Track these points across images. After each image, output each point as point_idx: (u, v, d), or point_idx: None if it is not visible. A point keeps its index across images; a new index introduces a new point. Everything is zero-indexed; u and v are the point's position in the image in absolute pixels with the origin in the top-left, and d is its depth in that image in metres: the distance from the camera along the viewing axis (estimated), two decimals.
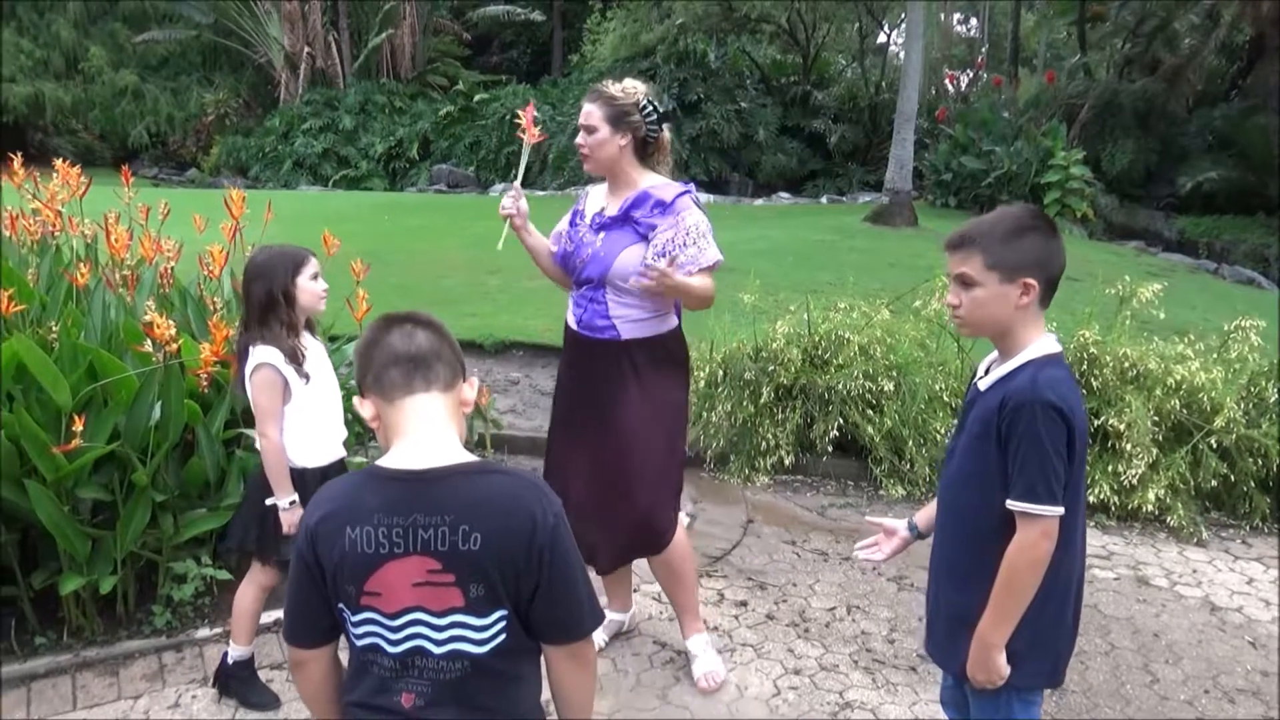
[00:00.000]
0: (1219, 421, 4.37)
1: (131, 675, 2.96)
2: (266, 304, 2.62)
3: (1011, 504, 1.78)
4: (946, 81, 19.09)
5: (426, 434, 1.43)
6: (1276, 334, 5.20)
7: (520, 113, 3.12)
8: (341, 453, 2.80)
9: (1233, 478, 4.42)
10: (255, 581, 2.80)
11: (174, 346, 2.97)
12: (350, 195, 17.04)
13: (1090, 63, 17.30)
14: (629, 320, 2.83)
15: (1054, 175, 13.32)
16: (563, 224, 3.08)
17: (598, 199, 2.99)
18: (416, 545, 1.37)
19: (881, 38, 20.54)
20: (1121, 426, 4.41)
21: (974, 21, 25.72)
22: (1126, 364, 4.58)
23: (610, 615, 3.27)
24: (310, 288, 2.68)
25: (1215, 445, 4.43)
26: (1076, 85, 16.02)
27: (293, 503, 2.64)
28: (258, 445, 2.68)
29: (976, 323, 1.89)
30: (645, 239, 2.78)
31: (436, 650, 1.40)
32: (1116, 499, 4.36)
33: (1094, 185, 13.55)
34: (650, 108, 2.84)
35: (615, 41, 17.87)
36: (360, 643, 1.43)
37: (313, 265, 2.69)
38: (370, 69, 24.01)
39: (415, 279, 8.20)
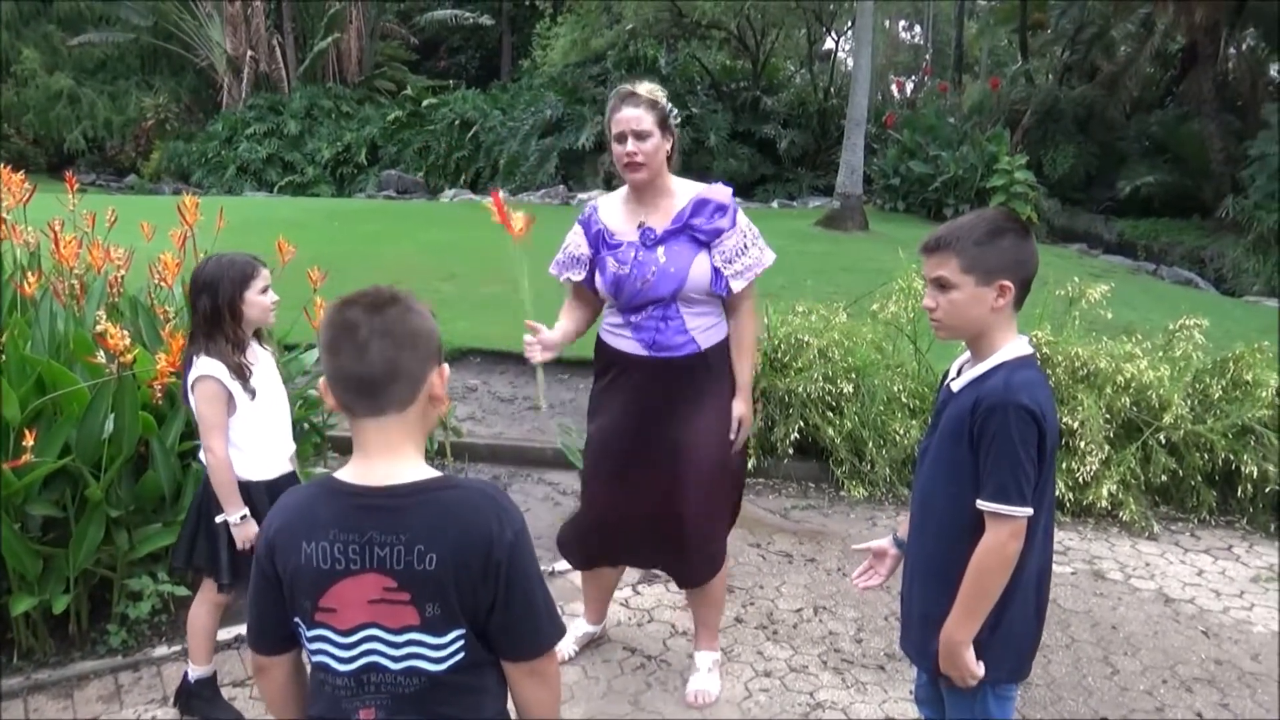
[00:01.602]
0: (1167, 418, 4.49)
1: (87, 697, 2.87)
2: (212, 317, 2.54)
3: (982, 504, 1.81)
4: (894, 87, 19.39)
5: (384, 454, 1.38)
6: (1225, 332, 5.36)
7: (489, 206, 2.96)
8: (289, 466, 2.72)
9: (1180, 472, 4.54)
10: (208, 599, 2.72)
11: (128, 357, 2.89)
12: (298, 201, 16.75)
13: (1031, 69, 17.70)
14: (703, 329, 2.77)
15: (999, 180, 13.58)
16: (576, 248, 2.90)
17: (616, 214, 2.85)
18: (372, 562, 1.34)
19: (829, 44, 20.80)
20: (1075, 425, 4.51)
21: (918, 29, 26.20)
22: (1078, 363, 4.68)
23: (585, 628, 3.24)
24: (258, 301, 2.59)
25: (1164, 441, 4.55)
26: (1019, 91, 16.38)
27: (244, 517, 2.55)
28: (205, 459, 2.60)
29: (953, 325, 1.91)
30: (705, 246, 2.71)
31: (393, 666, 1.38)
32: (1071, 495, 4.45)
33: (1037, 189, 13.85)
34: (675, 111, 2.78)
35: (566, 46, 17.86)
36: (314, 659, 1.41)
37: (262, 278, 2.61)
38: (316, 73, 23.67)
39: (369, 285, 8.08)
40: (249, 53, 23.04)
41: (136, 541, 3.11)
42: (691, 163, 17.77)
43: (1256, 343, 4.87)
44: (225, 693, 2.85)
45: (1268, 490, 4.44)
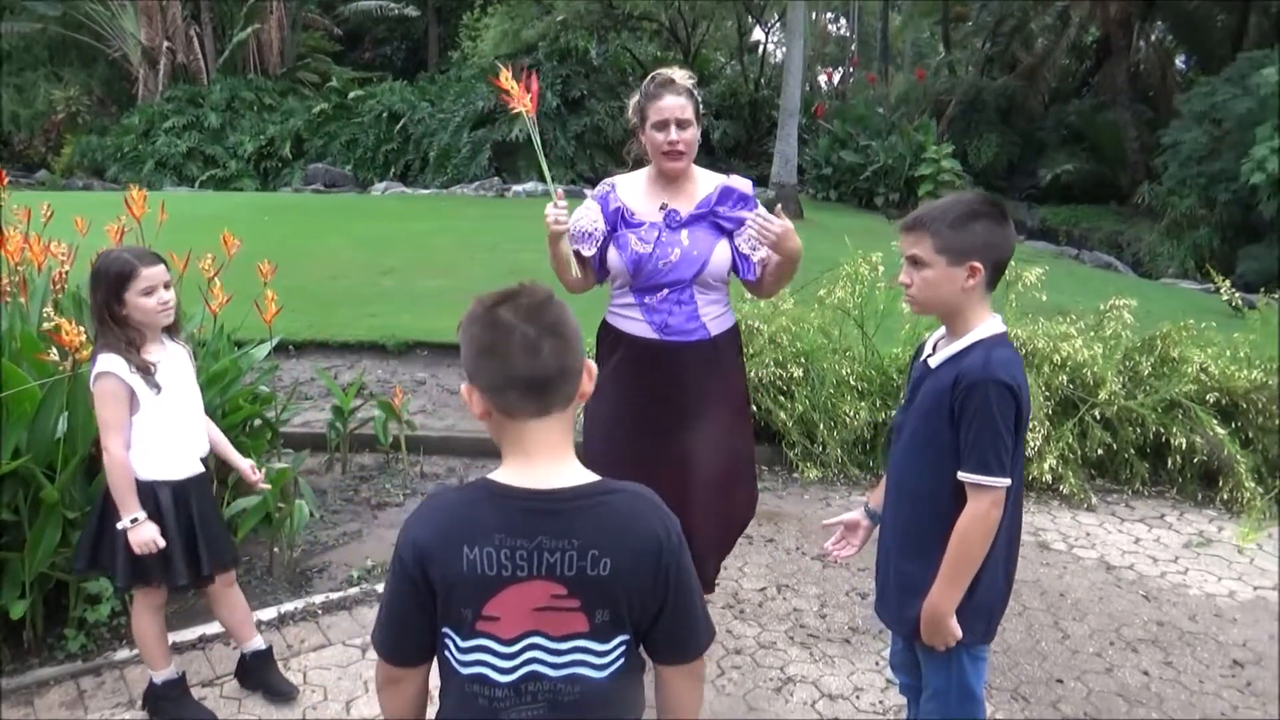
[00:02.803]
0: (1102, 395, 4.68)
1: (48, 704, 2.79)
2: (99, 315, 2.46)
3: (964, 476, 1.89)
4: (823, 78, 19.68)
5: (548, 455, 1.35)
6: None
7: (498, 81, 2.68)
8: (200, 468, 2.63)
9: (1115, 446, 4.75)
10: (145, 606, 2.63)
11: (84, 354, 2.81)
12: (223, 196, 16.32)
13: (954, 61, 18.16)
14: (714, 316, 2.80)
15: (927, 168, 13.95)
16: (590, 223, 2.85)
17: (638, 194, 2.84)
18: (541, 569, 1.30)
19: (758, 35, 21.00)
20: None
21: (844, 21, 26.60)
22: (1017, 344, 4.85)
23: None
24: (141, 304, 2.44)
25: (1099, 417, 4.75)
26: (943, 82, 16.81)
27: (135, 520, 2.44)
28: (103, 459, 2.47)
29: (925, 301, 1.99)
30: (727, 234, 2.75)
31: (553, 674, 1.34)
32: None
33: (964, 178, 14.25)
34: (701, 97, 2.79)
35: (496, 37, 17.69)
36: (465, 670, 1.34)
37: (144, 279, 2.43)
38: (236, 65, 23.01)
39: (308, 280, 7.94)
40: (165, 43, 22.28)
41: None
42: (625, 150, 17.85)
43: (1182, 321, 5.10)
44: (194, 693, 2.79)
45: (1195, 461, 4.67)
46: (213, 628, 3.13)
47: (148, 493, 2.49)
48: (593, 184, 16.99)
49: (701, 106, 2.79)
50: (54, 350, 2.85)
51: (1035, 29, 17.33)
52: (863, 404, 4.92)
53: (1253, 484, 4.48)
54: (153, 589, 2.60)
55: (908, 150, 14.28)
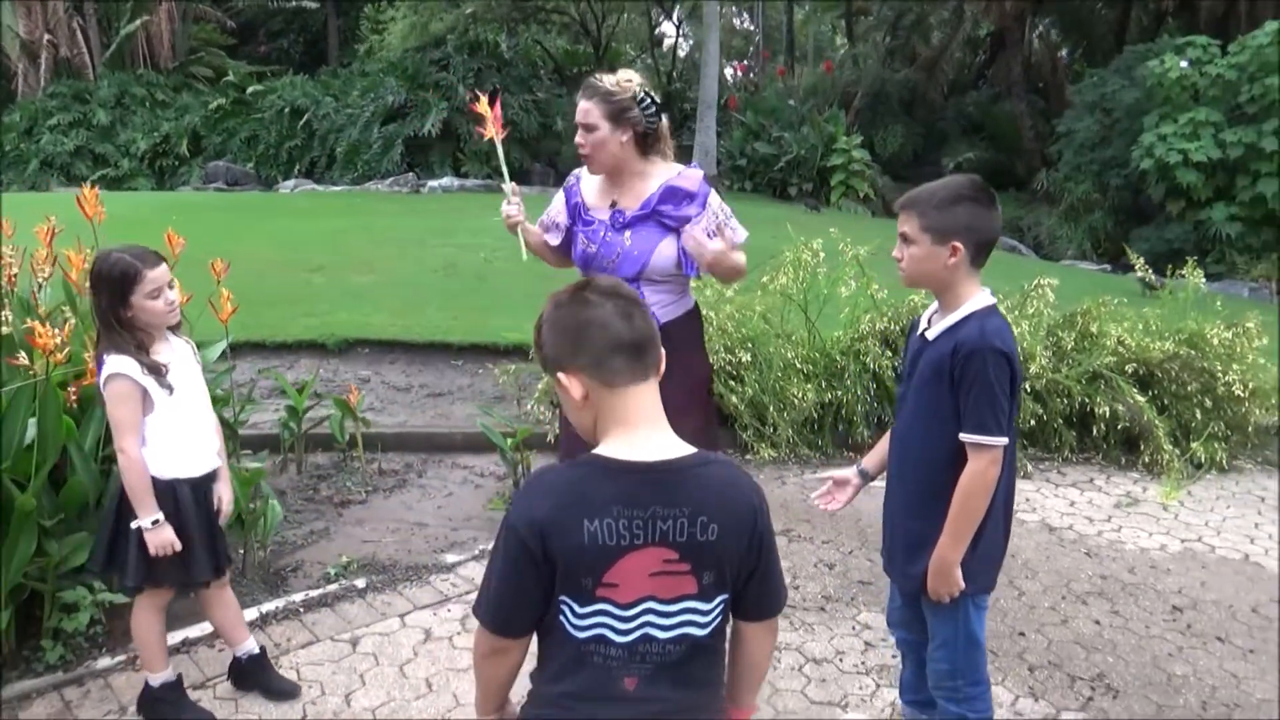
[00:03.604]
0: (1032, 368, 4.97)
1: (34, 717, 2.71)
2: (104, 318, 2.43)
3: (965, 436, 2.04)
4: (736, 71, 19.99)
5: (651, 423, 1.44)
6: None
7: (475, 107, 3.03)
8: (217, 462, 2.63)
9: (1044, 416, 5.04)
10: (148, 605, 2.60)
11: (59, 356, 2.74)
12: (123, 196, 15.59)
13: (859, 55, 18.69)
14: (663, 305, 2.84)
15: (838, 159, 14.36)
16: (557, 214, 2.97)
17: (595, 188, 2.91)
18: (655, 536, 1.38)
19: (668, 28, 21.19)
20: None
21: (746, 15, 27.03)
22: None
23: None
24: (148, 306, 2.41)
25: (1029, 389, 5.04)
26: (848, 75, 17.28)
27: (156, 522, 2.43)
28: (118, 460, 2.45)
29: (912, 275, 2.15)
30: (674, 231, 2.78)
31: (663, 635, 1.42)
32: None
33: (874, 167, 14.70)
34: (647, 100, 2.75)
35: (404, 30, 17.40)
36: (583, 634, 1.42)
37: (149, 282, 2.40)
38: (124, 59, 22.04)
39: (237, 280, 7.67)
40: (46, 37, 21.21)
41: (66, 551, 2.95)
42: (541, 148, 17.82)
43: (1100, 298, 5.44)
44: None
45: (1119, 428, 5.00)
46: (195, 631, 3.09)
47: (167, 492, 2.46)
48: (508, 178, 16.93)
49: (632, 108, 2.72)
50: (21, 354, 2.78)
51: (934, 23, 17.97)
52: (809, 386, 5.09)
53: (1170, 447, 4.83)
54: (161, 588, 2.56)
55: (819, 141, 14.66)
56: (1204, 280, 5.65)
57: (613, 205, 2.83)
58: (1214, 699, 2.90)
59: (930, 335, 2.14)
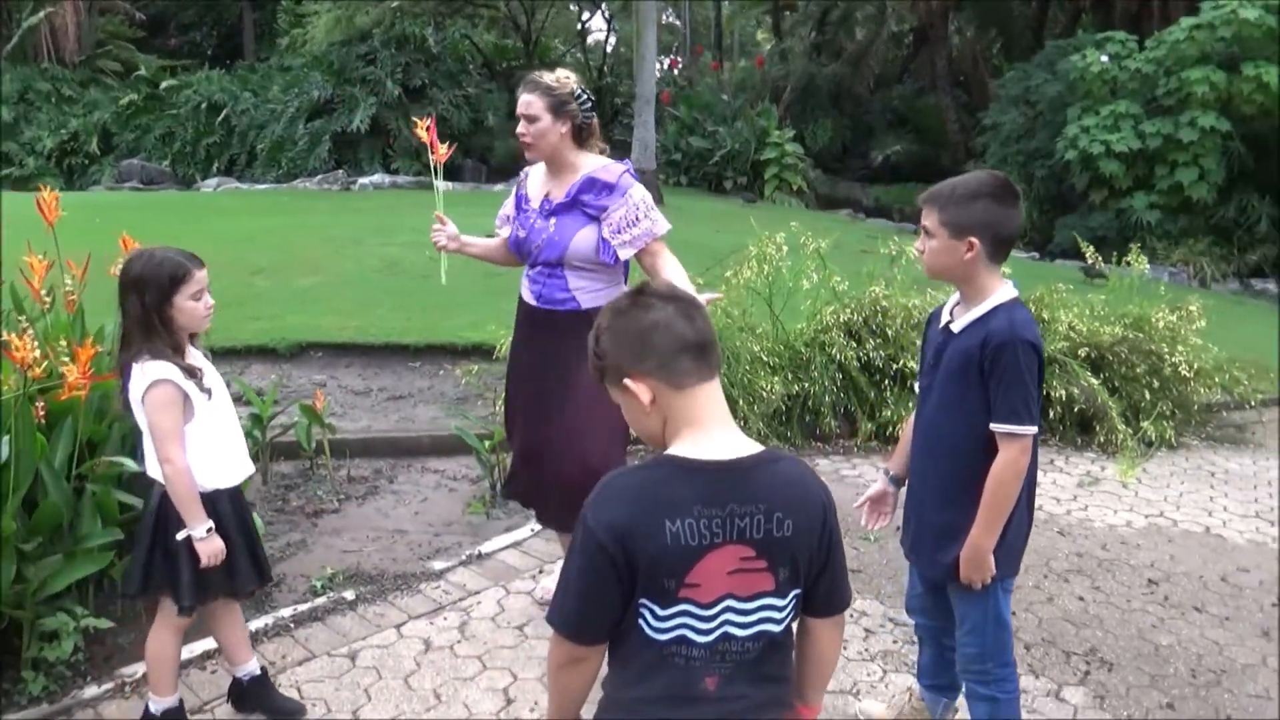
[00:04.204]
0: None
1: None
2: (144, 319, 2.34)
3: (996, 426, 2.08)
4: (669, 65, 20.04)
5: (721, 422, 1.45)
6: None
7: (422, 133, 3.19)
8: (252, 468, 2.59)
9: None
10: (169, 625, 2.51)
11: (37, 371, 2.60)
12: (32, 197, 14.90)
13: (786, 49, 18.92)
14: (587, 291, 3.00)
15: (772, 152, 14.52)
16: (508, 207, 3.20)
17: (538, 181, 3.11)
18: (733, 534, 1.39)
19: (596, 23, 21.13)
20: (916, 367, 5.01)
21: (671, 10, 27.11)
22: (916, 313, 5.21)
23: None
24: (190, 308, 2.37)
25: None
26: (779, 69, 17.48)
27: (210, 530, 2.37)
28: (160, 472, 2.37)
29: (932, 268, 2.20)
30: (595, 220, 2.95)
31: (742, 633, 1.43)
32: None
33: (806, 161, 14.91)
34: (583, 95, 2.98)
35: (329, 24, 16.93)
36: (665, 636, 1.41)
37: (195, 282, 2.37)
38: (27, 53, 21.02)
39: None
40: None
41: (44, 576, 2.81)
42: (472, 144, 17.58)
43: (1051, 285, 5.62)
44: None
45: (1075, 410, 5.17)
46: (184, 653, 2.97)
47: (208, 503, 2.38)
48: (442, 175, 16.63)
49: (570, 101, 2.94)
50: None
51: (859, 18, 18.30)
52: (776, 378, 5.14)
53: (1123, 427, 5.02)
54: (208, 603, 2.49)
55: (752, 135, 14.80)
56: (1148, 267, 5.87)
57: (546, 195, 3.04)
58: (1201, 666, 3.03)
59: (955, 328, 2.17)
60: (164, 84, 20.18)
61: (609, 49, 21.12)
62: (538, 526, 4.04)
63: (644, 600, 1.40)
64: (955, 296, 2.24)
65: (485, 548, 3.80)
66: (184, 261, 2.38)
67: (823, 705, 1.68)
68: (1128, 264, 5.77)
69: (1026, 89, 13.26)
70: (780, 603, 1.44)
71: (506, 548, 3.82)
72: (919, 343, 4.97)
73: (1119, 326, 5.38)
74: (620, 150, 17.43)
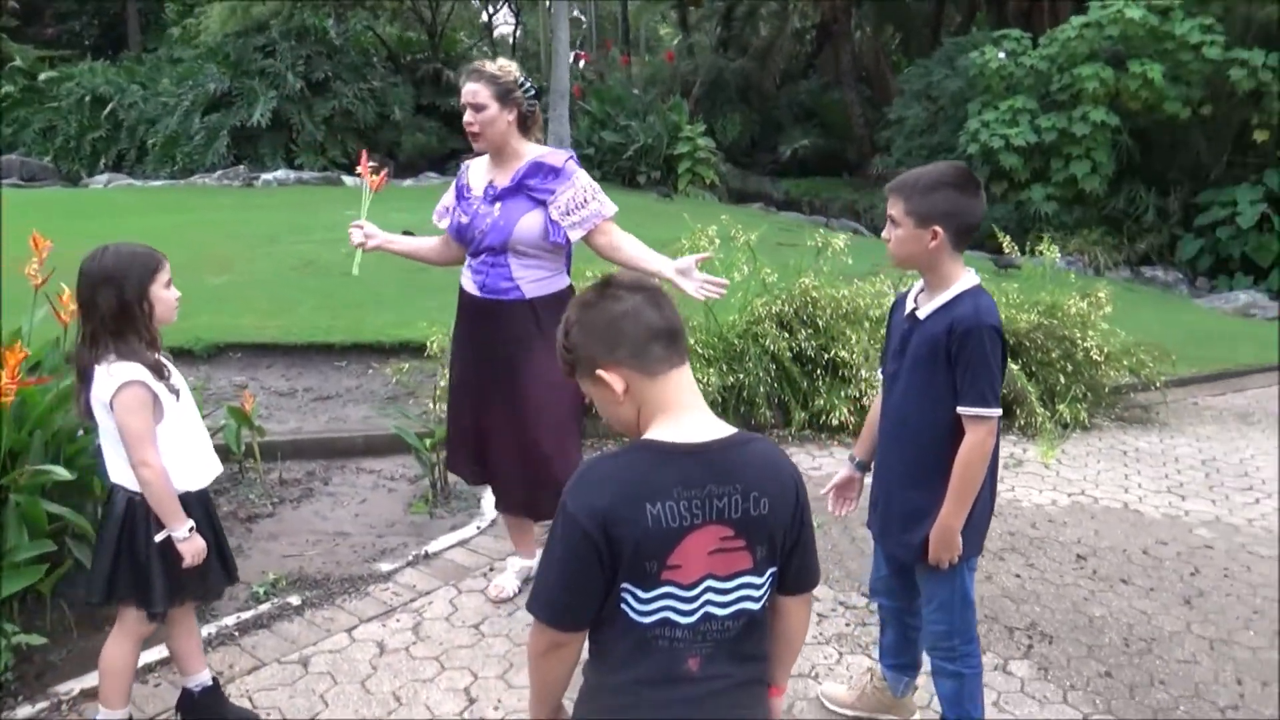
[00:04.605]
0: None
1: None
2: (120, 314, 2.26)
3: (964, 410, 2.15)
4: (576, 60, 19.96)
5: (693, 406, 1.47)
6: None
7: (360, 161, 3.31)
8: (220, 467, 2.53)
9: None
10: (129, 633, 2.41)
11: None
12: None
13: (694, 44, 19.07)
14: (530, 280, 3.01)
15: (684, 146, 14.63)
16: (448, 199, 3.21)
17: (480, 172, 3.12)
18: (712, 515, 1.41)
19: (505, 17, 20.89)
20: (847, 356, 5.15)
21: (576, 5, 27.01)
22: (844, 304, 5.33)
23: (521, 563, 3.44)
24: (165, 297, 2.34)
25: None
26: (687, 64, 17.62)
27: (192, 529, 2.32)
28: (128, 477, 2.30)
29: (898, 256, 2.26)
30: (542, 204, 2.96)
31: (722, 612, 1.45)
32: (854, 419, 5.09)
33: (718, 155, 15.06)
34: (527, 83, 3.00)
35: (223, 14, 16.31)
36: (648, 619, 1.43)
37: (166, 270, 2.36)
38: None
39: (73, 285, 7.06)
40: None
41: None
42: (379, 137, 17.19)
43: None
44: None
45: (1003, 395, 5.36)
46: None
47: (182, 505, 2.31)
48: (347, 169, 16.12)
49: (515, 90, 2.98)
50: None
51: (764, 14, 18.57)
52: (711, 370, 5.19)
53: (1042, 410, 5.23)
54: (144, 615, 2.37)
55: (665, 130, 14.87)
56: (1059, 256, 6.13)
57: (489, 183, 3.05)
58: (1132, 635, 3.19)
59: (921, 315, 2.23)
60: (43, 75, 19.13)
61: (513, 42, 20.92)
62: (484, 524, 4.00)
63: (626, 584, 1.42)
64: (919, 284, 2.30)
65: (432, 547, 3.74)
66: (153, 251, 2.34)
67: (786, 686, 1.71)
68: (1040, 253, 6.01)
69: (928, 84, 13.70)
70: (758, 580, 1.47)
71: (453, 547, 3.77)
72: (883, 330, 5.13)
73: (1034, 314, 5.60)
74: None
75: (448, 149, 17.33)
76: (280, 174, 15.07)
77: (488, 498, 4.28)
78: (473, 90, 2.94)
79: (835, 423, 5.08)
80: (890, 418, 2.32)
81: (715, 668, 1.46)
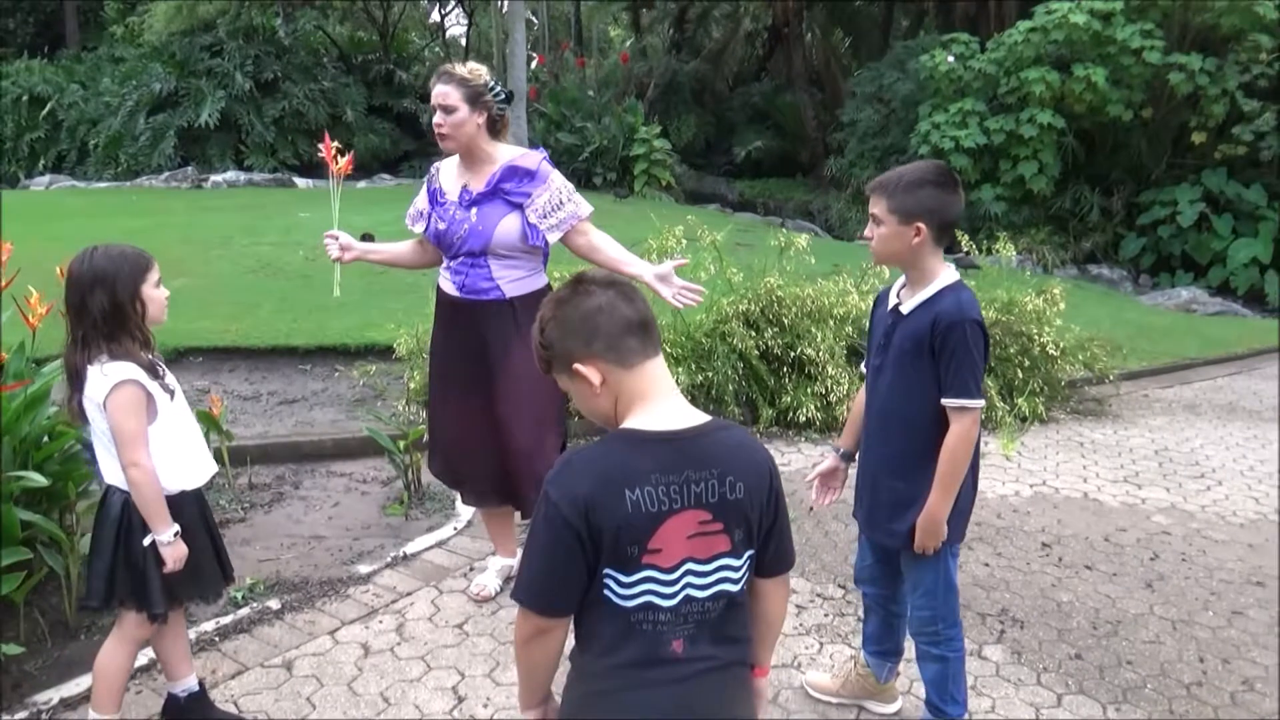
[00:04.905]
0: None
1: None
2: (113, 314, 2.25)
3: (948, 401, 2.22)
4: (535, 62, 19.91)
5: (668, 395, 1.51)
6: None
7: (322, 147, 3.26)
8: (215, 467, 2.51)
9: None
10: (128, 637, 2.39)
11: None
12: None
13: (648, 46, 19.14)
14: (510, 280, 3.04)
15: (640, 148, 14.66)
16: (420, 203, 3.21)
17: (451, 175, 3.12)
18: (690, 500, 1.45)
19: (458, 17, 20.74)
20: (813, 354, 5.24)
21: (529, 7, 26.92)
22: (809, 302, 5.41)
23: (501, 561, 3.45)
24: (156, 296, 2.35)
25: None
26: (642, 66, 17.67)
27: (176, 534, 2.30)
28: (122, 478, 2.29)
29: (881, 254, 2.32)
30: (518, 207, 3.00)
31: (702, 594, 1.48)
32: (820, 415, 5.18)
33: (674, 156, 15.13)
34: (496, 87, 3.04)
35: (168, 13, 15.96)
36: (631, 603, 1.46)
37: (156, 269, 2.36)
38: None
39: (27, 289, 6.88)
40: None
41: None
42: (331, 139, 16.95)
43: None
44: None
45: None
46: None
47: (174, 505, 2.29)
48: (298, 171, 15.89)
49: (485, 93, 3.01)
50: None
51: (716, 16, 18.71)
52: (680, 369, 5.24)
53: (1001, 403, 5.37)
54: (144, 618, 2.35)
55: (620, 131, 14.91)
56: (1014, 254, 6.29)
57: (463, 187, 3.07)
58: (1099, 619, 3.30)
59: (904, 310, 2.30)
60: None
61: (466, 43, 20.80)
62: (460, 524, 4.00)
63: (608, 570, 1.45)
64: (901, 280, 2.37)
65: (409, 549, 3.73)
66: (143, 251, 2.33)
67: (769, 667, 1.75)
68: (997, 252, 6.17)
69: (880, 87, 13.92)
70: (736, 562, 1.51)
71: (431, 548, 3.76)
72: (847, 328, 5.26)
73: (991, 311, 5.74)
74: None
75: (401, 150, 17.20)
76: (230, 175, 14.83)
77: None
78: (444, 92, 2.96)
79: (802, 419, 5.16)
80: (875, 409, 2.38)
81: (699, 649, 1.50)
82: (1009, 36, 12.08)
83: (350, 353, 5.96)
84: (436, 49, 20.41)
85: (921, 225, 2.23)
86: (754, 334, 5.39)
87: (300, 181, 15.25)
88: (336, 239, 3.17)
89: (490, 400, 3.09)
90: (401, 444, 4.21)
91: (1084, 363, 5.93)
